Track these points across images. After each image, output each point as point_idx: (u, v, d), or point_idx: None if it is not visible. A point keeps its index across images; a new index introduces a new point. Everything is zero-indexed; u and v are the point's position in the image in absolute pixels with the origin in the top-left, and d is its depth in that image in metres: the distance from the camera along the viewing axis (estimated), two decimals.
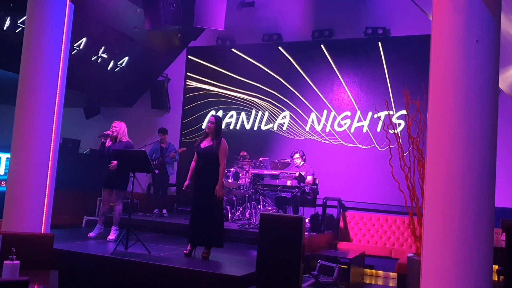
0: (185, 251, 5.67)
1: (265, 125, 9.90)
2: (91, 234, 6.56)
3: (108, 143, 6.61)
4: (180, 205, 9.88)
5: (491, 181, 3.73)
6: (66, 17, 5.81)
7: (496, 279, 5.14)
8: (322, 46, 9.59)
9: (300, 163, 8.21)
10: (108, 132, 6.58)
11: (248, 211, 7.86)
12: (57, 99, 5.71)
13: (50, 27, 5.69)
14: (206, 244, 5.64)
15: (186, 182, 5.85)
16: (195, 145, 5.88)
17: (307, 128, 9.50)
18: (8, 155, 5.77)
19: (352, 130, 9.15)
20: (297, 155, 8.26)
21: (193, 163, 5.84)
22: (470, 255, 3.62)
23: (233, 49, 10.23)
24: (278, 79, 9.84)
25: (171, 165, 8.99)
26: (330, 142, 9.28)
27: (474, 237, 3.63)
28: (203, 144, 5.77)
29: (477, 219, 3.64)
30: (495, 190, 3.77)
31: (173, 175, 9.25)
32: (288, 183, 7.79)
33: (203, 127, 9.99)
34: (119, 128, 6.59)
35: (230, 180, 7.89)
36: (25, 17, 7.34)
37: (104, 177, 6.60)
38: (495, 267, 4.91)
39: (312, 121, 9.47)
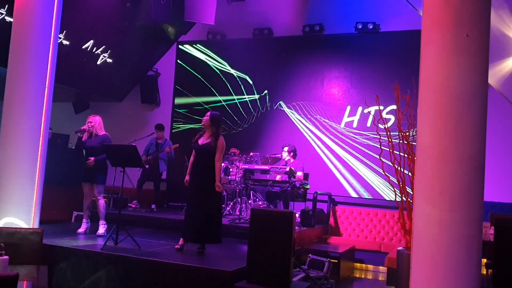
0: (176, 246, 5.67)
1: (255, 119, 9.89)
2: (79, 230, 6.56)
3: (85, 137, 6.64)
4: (171, 201, 9.85)
5: (480, 176, 3.76)
6: (55, 10, 5.74)
7: (485, 272, 5.19)
8: (312, 41, 9.60)
9: (286, 157, 8.22)
10: (85, 127, 6.62)
11: (239, 206, 7.86)
12: (46, 93, 5.64)
13: (39, 20, 5.62)
14: (200, 241, 5.61)
15: (186, 178, 5.76)
16: (193, 141, 5.80)
17: (297, 123, 9.51)
18: None
19: (342, 125, 9.19)
20: (286, 148, 8.25)
21: (192, 159, 5.80)
22: (459, 249, 3.65)
23: (223, 43, 10.20)
24: (269, 74, 9.83)
25: (165, 161, 8.95)
26: (320, 136, 9.30)
27: (463, 231, 3.66)
28: (201, 141, 5.73)
29: (466, 213, 3.67)
30: (484, 184, 3.80)
31: (165, 171, 9.17)
32: (278, 178, 7.82)
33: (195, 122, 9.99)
34: (94, 123, 6.62)
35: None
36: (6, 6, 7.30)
37: (82, 171, 6.64)
38: (484, 260, 4.95)
39: (303, 116, 9.48)
